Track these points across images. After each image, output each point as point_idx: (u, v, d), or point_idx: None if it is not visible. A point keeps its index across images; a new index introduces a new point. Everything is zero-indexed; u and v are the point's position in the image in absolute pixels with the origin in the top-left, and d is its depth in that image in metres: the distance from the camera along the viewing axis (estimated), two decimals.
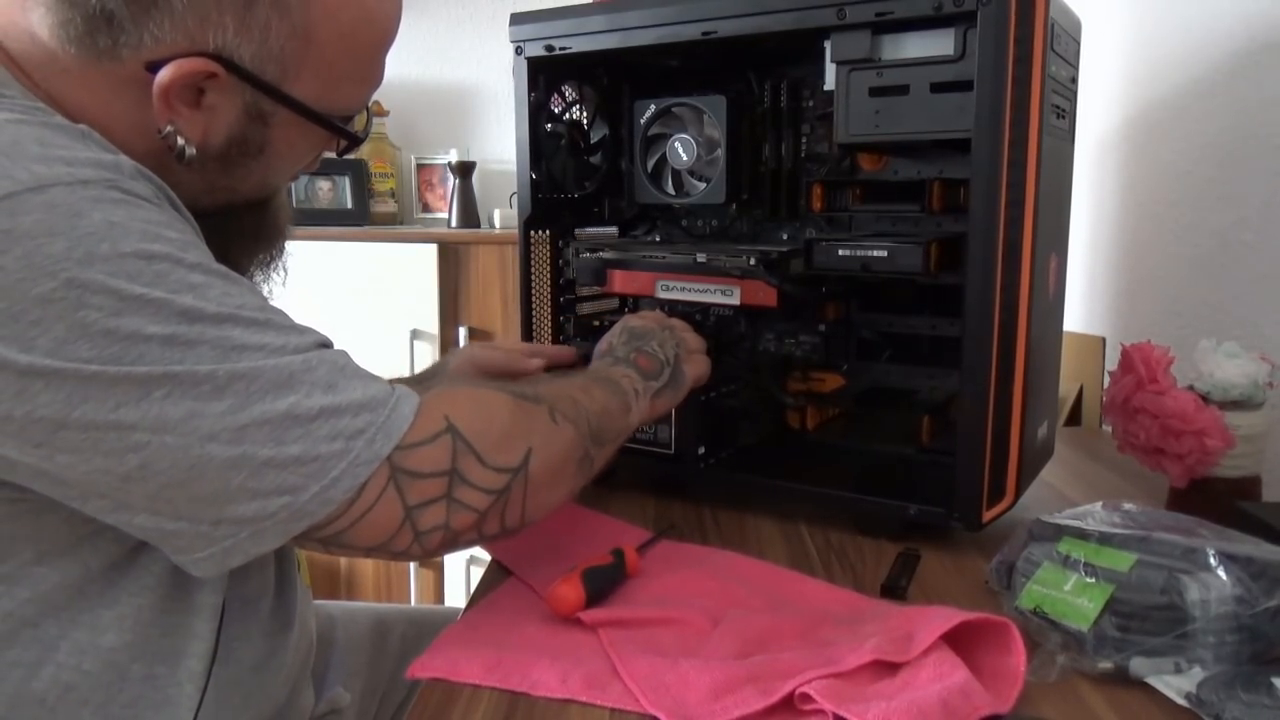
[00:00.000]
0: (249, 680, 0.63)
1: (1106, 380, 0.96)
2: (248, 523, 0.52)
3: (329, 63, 0.59)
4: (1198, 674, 0.55)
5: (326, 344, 0.56)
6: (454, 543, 0.59)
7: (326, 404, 0.53)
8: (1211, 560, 0.57)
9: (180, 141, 0.57)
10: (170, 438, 0.49)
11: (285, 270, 0.73)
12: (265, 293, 0.70)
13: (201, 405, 0.49)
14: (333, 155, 0.70)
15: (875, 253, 0.78)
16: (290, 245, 0.74)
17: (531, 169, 0.94)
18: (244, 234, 0.66)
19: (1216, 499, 0.80)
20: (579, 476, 0.67)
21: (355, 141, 0.67)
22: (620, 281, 0.94)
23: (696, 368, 0.82)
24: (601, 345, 0.83)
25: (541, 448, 0.62)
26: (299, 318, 0.56)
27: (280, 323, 0.54)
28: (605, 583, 0.68)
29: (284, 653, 0.66)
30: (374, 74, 0.64)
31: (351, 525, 0.54)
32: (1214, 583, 0.56)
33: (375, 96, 0.66)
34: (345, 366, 0.55)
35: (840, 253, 0.80)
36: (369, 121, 0.69)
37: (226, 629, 0.61)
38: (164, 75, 0.54)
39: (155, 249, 0.50)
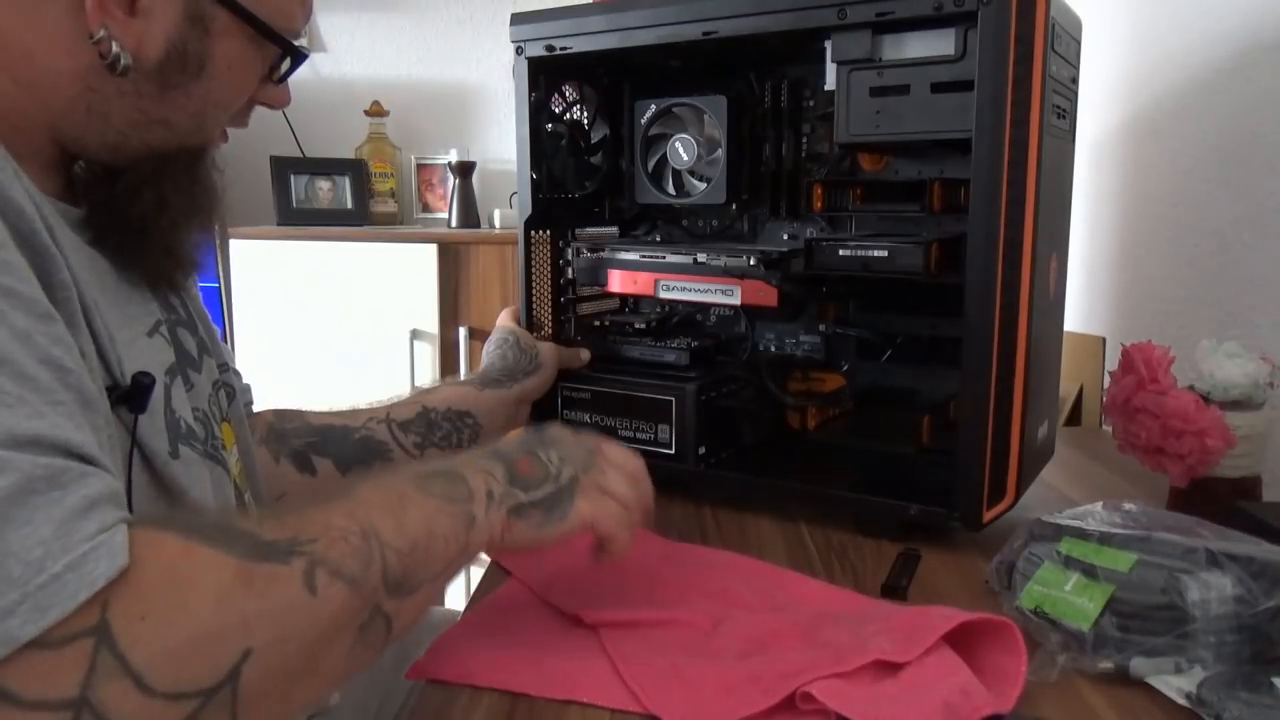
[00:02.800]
0: None
1: (1106, 380, 0.95)
2: None
3: None
4: (1198, 674, 0.55)
5: (66, 448, 0.40)
6: None
7: None
8: (1212, 560, 0.57)
9: (115, 49, 0.53)
10: None
11: (217, 242, 0.68)
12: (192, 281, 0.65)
13: None
14: (271, 102, 0.65)
15: (876, 253, 0.79)
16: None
17: (532, 169, 0.94)
18: (180, 193, 0.61)
19: (1216, 499, 0.80)
20: (357, 651, 0.47)
21: (299, 57, 0.63)
22: (620, 281, 0.94)
23: (594, 506, 0.62)
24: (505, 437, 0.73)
25: (270, 645, 0.42)
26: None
27: (25, 395, 0.40)
28: None
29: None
30: None
31: None
32: (1214, 583, 0.56)
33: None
34: (35, 491, 0.38)
35: (841, 253, 0.80)
36: (305, 48, 0.64)
37: None
38: None
39: None
